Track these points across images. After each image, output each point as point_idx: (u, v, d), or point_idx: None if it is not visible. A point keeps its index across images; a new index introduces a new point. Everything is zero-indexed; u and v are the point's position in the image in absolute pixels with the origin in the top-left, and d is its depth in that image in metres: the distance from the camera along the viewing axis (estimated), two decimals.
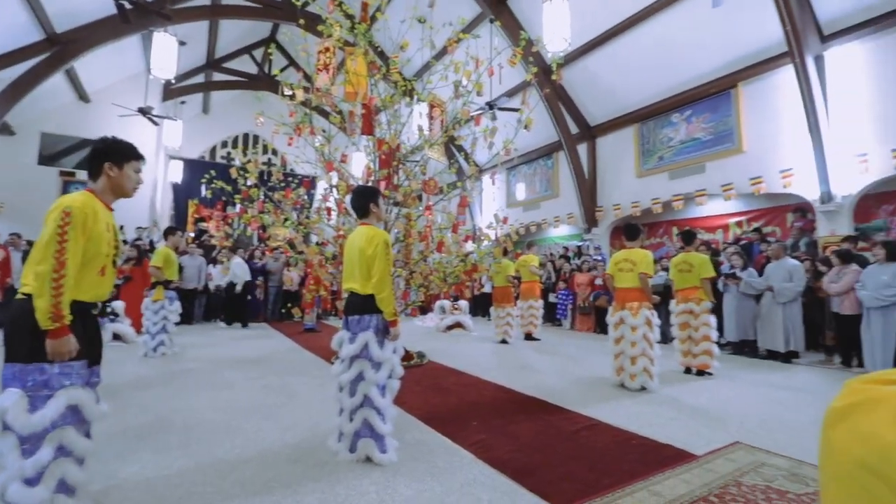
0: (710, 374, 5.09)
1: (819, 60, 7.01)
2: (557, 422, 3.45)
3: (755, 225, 8.49)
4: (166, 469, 2.51)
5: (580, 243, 11.28)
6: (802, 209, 7.74)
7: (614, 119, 10.40)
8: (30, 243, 9.16)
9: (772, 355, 6.15)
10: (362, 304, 2.77)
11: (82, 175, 12.55)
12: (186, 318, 8.98)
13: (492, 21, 9.09)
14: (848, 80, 6.87)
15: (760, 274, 6.33)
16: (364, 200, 3.01)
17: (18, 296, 1.83)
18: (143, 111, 11.24)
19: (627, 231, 4.80)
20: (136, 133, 12.94)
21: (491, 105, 9.05)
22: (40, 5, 8.42)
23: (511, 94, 10.46)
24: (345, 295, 2.99)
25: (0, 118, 9.44)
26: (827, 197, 6.97)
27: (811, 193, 7.23)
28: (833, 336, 5.93)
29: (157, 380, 4.62)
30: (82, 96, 12.53)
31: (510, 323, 7.51)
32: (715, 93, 8.55)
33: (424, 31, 5.73)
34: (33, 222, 11.17)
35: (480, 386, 4.63)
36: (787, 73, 7.31)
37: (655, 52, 8.75)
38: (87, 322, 1.95)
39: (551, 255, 11.53)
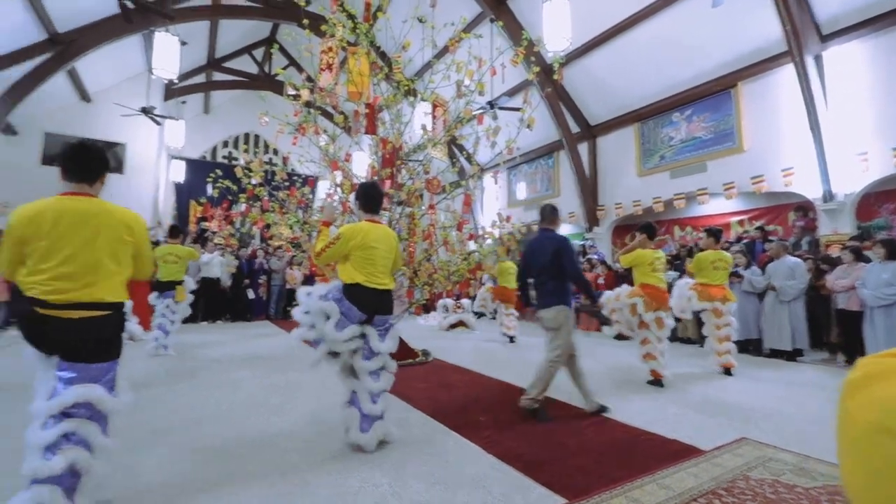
0: (731, 374, 5.07)
1: (818, 60, 7.04)
2: (565, 418, 3.48)
3: (757, 223, 8.52)
4: (179, 462, 2.53)
5: (582, 242, 11.31)
6: (804, 208, 7.77)
7: (615, 118, 10.44)
8: None
9: (775, 354, 6.19)
10: (391, 303, 2.92)
11: None
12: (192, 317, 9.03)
13: (492, 21, 9.12)
14: (847, 79, 6.91)
15: (763, 273, 6.36)
16: (381, 198, 3.10)
17: (90, 311, 1.91)
18: (146, 111, 11.24)
19: (648, 229, 4.78)
20: (139, 133, 12.98)
21: (492, 104, 9.08)
22: (42, 5, 8.42)
23: (512, 93, 10.48)
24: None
25: (2, 118, 9.42)
26: (828, 195, 7.01)
27: (813, 192, 7.26)
28: (837, 334, 5.96)
29: (167, 377, 4.64)
30: (84, 96, 12.51)
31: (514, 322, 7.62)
32: (715, 92, 8.58)
33: (426, 31, 5.75)
34: None
35: (486, 383, 4.66)
36: (787, 73, 7.35)
37: (656, 51, 8.78)
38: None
39: None
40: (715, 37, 8.02)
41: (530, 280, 3.73)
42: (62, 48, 9.30)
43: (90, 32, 9.47)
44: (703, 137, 8.86)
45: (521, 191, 13.36)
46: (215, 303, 9.89)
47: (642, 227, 4.79)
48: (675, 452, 2.80)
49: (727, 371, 5.10)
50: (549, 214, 3.72)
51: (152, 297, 5.97)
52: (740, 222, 9.00)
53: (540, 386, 3.46)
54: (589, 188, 10.90)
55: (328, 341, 2.73)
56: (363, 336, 2.83)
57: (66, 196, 1.96)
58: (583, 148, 11.05)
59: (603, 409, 3.58)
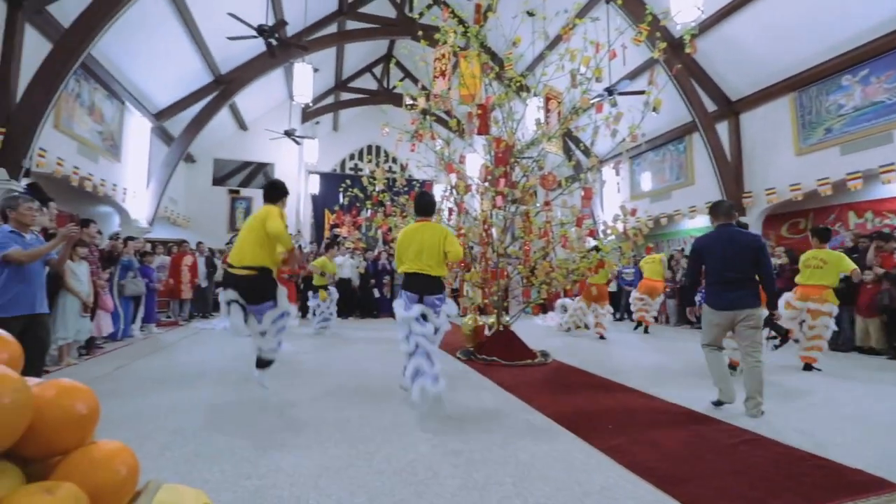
0: (818, 369, 4.94)
1: None
2: (707, 432, 3.09)
3: None
4: (326, 442, 2.80)
5: None
6: None
7: (763, 90, 9.01)
8: (211, 251, 11.05)
9: None
10: (438, 285, 3.61)
11: (245, 192, 14.98)
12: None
13: (608, 1, 8.55)
14: None
15: None
16: (430, 204, 3.83)
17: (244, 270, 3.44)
18: (288, 133, 12.86)
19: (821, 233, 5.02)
20: (283, 152, 14.87)
21: (610, 90, 8.51)
22: (209, 52, 10.12)
23: (633, 75, 9.73)
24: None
25: (185, 150, 11.53)
26: None
27: None
28: None
29: (314, 353, 5.23)
30: (242, 125, 14.75)
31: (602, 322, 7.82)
32: None
33: (536, 23, 5.61)
34: (212, 233, 13.50)
35: (611, 388, 4.37)
36: None
37: (814, 4, 7.38)
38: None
39: (682, 250, 10.45)
40: None
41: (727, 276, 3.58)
42: (224, 87, 11.07)
43: (244, 70, 11.14)
44: (887, 102, 7.21)
45: (646, 181, 12.32)
46: (347, 301, 10.86)
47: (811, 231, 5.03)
48: (856, 484, 2.31)
49: (807, 366, 4.95)
50: (728, 210, 3.69)
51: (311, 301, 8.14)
52: None
53: (761, 388, 3.45)
54: (731, 173, 9.57)
55: (401, 320, 3.54)
56: (424, 316, 3.55)
57: None
58: (722, 128, 9.77)
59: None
